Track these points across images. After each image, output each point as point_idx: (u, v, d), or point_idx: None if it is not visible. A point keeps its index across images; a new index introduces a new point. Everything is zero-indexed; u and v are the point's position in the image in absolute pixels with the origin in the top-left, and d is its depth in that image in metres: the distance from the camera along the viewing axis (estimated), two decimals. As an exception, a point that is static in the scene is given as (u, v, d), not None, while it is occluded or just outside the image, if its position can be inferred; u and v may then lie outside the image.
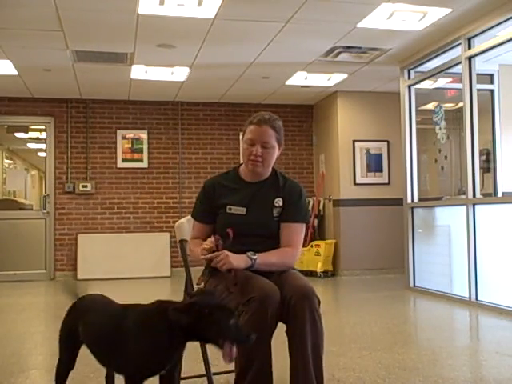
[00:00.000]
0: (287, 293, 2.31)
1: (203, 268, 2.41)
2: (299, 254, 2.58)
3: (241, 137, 2.71)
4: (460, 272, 5.74)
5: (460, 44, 5.67)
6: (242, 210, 2.52)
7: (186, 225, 2.75)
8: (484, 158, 6.38)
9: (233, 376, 2.98)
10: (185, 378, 2.85)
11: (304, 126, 9.08)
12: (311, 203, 8.61)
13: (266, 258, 2.43)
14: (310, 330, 2.28)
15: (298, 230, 2.57)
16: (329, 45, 6.02)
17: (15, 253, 8.24)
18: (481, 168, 5.80)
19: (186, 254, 2.70)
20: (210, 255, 2.34)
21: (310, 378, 2.27)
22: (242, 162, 2.65)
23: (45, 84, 7.65)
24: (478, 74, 5.65)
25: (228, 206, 2.53)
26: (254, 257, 2.38)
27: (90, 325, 2.22)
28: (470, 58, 5.60)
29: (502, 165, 6.26)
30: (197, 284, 2.36)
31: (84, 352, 3.78)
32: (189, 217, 2.82)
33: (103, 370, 3.28)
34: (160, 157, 8.74)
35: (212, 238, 2.37)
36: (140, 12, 4.99)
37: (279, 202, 2.56)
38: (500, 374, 3.21)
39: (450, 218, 6.07)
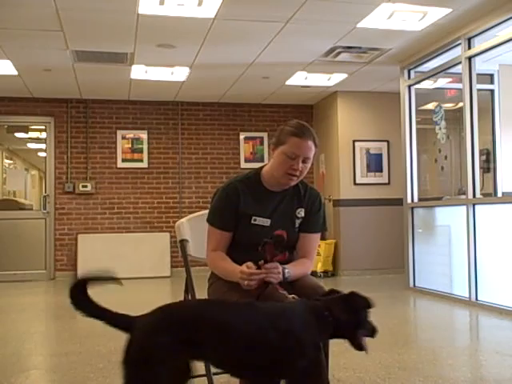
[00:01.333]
0: (297, 293, 2.28)
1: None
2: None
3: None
4: (460, 272, 5.74)
5: (460, 44, 5.67)
6: (266, 222, 2.42)
7: (186, 225, 2.74)
8: (484, 157, 6.38)
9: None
10: (185, 378, 2.85)
11: (304, 126, 9.06)
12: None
13: (295, 274, 2.36)
14: None
15: (316, 240, 2.55)
16: (329, 45, 6.02)
17: (15, 253, 8.24)
18: (481, 168, 5.79)
19: (186, 253, 2.69)
20: (266, 275, 2.20)
21: None
22: (257, 167, 2.55)
23: (45, 84, 7.65)
24: (478, 74, 5.64)
25: (253, 217, 2.41)
26: (287, 274, 2.30)
27: (238, 336, 1.87)
28: (470, 58, 5.60)
29: (502, 165, 6.26)
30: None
31: (84, 351, 3.79)
32: (189, 216, 2.81)
33: (103, 370, 3.29)
34: (160, 157, 8.74)
35: (250, 263, 2.23)
36: (140, 12, 4.99)
37: (301, 212, 2.47)
38: (500, 374, 3.21)
39: (449, 217, 6.07)
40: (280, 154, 2.38)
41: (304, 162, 2.39)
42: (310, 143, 2.39)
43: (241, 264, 2.31)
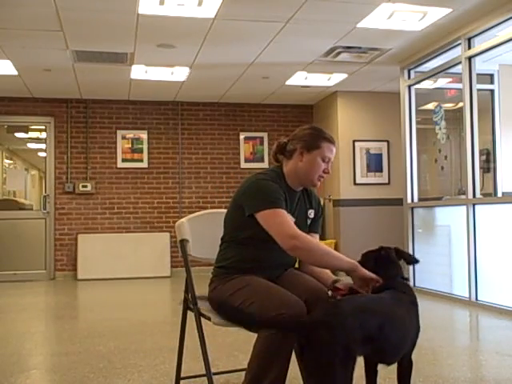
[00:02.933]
0: (300, 295, 2.27)
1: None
2: None
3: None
4: (460, 272, 5.74)
5: (460, 44, 5.67)
6: (292, 220, 2.45)
7: (186, 225, 2.74)
8: (484, 158, 6.38)
9: (233, 376, 2.99)
10: (185, 378, 2.86)
11: (304, 126, 9.06)
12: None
13: None
14: None
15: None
16: (329, 45, 6.02)
17: (15, 253, 8.24)
18: (481, 168, 5.79)
19: (186, 253, 2.69)
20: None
21: None
22: (272, 165, 2.59)
23: (45, 84, 7.65)
24: (478, 74, 5.64)
25: (291, 212, 2.46)
26: None
27: (396, 325, 2.08)
28: (470, 58, 5.60)
29: (502, 165, 6.26)
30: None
31: (84, 351, 3.79)
32: (189, 216, 2.81)
33: (103, 370, 3.29)
34: (160, 157, 8.74)
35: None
36: (140, 12, 4.99)
37: (312, 213, 2.61)
38: (500, 374, 3.21)
39: (449, 217, 6.07)
40: (316, 158, 2.48)
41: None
42: (335, 148, 2.57)
43: (264, 260, 2.41)
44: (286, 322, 2.02)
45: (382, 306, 2.09)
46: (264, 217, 2.32)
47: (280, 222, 2.29)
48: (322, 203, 2.76)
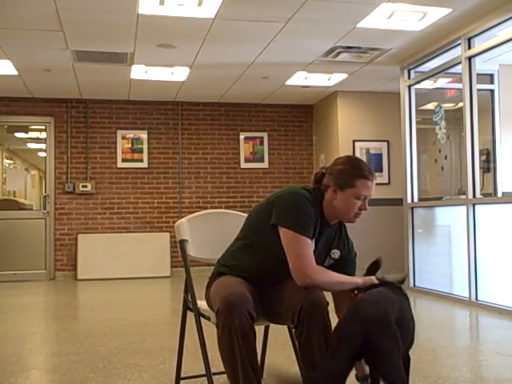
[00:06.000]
0: (295, 302, 2.24)
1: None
2: None
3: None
4: (460, 272, 5.74)
5: (460, 44, 5.67)
6: (312, 247, 2.36)
7: (186, 225, 2.74)
8: (484, 157, 6.38)
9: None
10: (185, 378, 2.86)
11: (304, 125, 9.08)
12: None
13: None
14: (322, 333, 2.22)
15: None
16: (329, 45, 6.02)
17: (15, 253, 8.24)
18: (481, 168, 5.79)
19: (186, 254, 2.69)
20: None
21: None
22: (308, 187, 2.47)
23: (45, 84, 7.65)
24: (478, 74, 5.64)
25: (314, 239, 2.37)
26: None
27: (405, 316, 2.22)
28: (470, 58, 5.60)
29: (502, 165, 6.26)
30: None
31: (84, 351, 3.79)
32: (189, 216, 2.81)
33: (103, 370, 3.29)
34: (160, 157, 8.74)
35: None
36: (140, 12, 4.99)
37: (336, 254, 2.47)
38: (500, 374, 3.20)
39: (449, 217, 6.07)
40: (349, 197, 2.38)
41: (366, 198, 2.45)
42: (374, 181, 2.46)
43: (265, 275, 2.39)
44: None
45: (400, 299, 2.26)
46: (287, 236, 2.30)
47: (301, 253, 2.27)
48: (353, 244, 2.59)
